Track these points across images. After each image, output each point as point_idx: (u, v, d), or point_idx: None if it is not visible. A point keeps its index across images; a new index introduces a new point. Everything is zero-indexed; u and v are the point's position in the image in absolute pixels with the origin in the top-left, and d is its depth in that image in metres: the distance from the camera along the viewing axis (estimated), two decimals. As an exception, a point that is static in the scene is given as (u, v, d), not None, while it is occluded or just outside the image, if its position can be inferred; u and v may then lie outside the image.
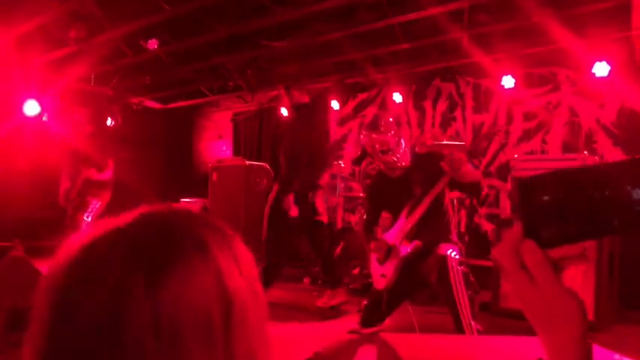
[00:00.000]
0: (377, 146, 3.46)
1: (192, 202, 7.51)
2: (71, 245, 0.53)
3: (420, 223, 3.37)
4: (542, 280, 0.57)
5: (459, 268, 3.16)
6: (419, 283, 3.52)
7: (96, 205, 5.17)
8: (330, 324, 4.08)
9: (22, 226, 6.22)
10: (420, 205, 3.36)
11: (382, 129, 3.45)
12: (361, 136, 3.57)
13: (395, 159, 3.48)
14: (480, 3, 4.65)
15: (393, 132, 3.46)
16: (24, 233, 5.57)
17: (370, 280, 5.12)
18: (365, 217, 3.94)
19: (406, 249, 3.38)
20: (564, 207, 0.56)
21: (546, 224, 0.56)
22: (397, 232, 3.44)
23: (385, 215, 3.68)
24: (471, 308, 3.09)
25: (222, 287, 0.51)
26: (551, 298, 0.57)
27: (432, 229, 3.38)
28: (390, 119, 3.57)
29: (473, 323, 3.06)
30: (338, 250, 5.54)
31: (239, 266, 0.54)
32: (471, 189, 3.48)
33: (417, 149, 3.86)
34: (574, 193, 0.55)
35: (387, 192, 3.62)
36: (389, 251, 3.45)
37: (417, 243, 3.37)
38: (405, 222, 3.42)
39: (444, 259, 3.17)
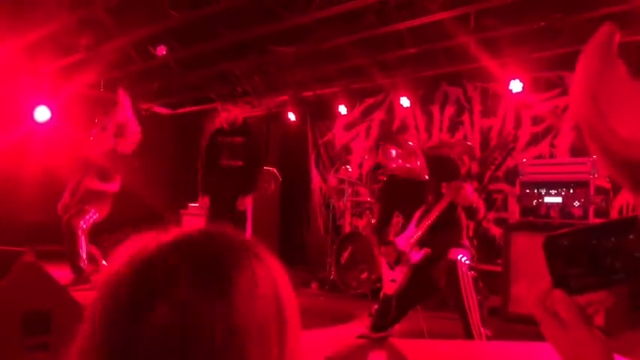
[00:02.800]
0: (392, 165, 3.51)
1: (200, 207, 7.53)
2: (130, 258, 0.53)
3: (430, 230, 3.37)
4: (572, 325, 0.64)
5: (468, 273, 3.16)
6: (429, 289, 3.51)
7: (94, 215, 5.20)
8: (338, 329, 4.08)
9: (33, 231, 6.27)
10: (432, 213, 3.36)
11: (401, 150, 3.50)
12: (379, 147, 3.61)
13: (408, 170, 3.52)
14: (486, 7, 4.64)
15: (411, 152, 3.52)
16: (34, 238, 5.63)
17: (379, 284, 5.13)
18: (376, 219, 3.95)
19: (416, 256, 3.38)
20: (587, 260, 0.63)
21: (572, 274, 0.64)
22: (408, 238, 3.45)
23: (396, 220, 3.69)
24: (480, 314, 3.08)
25: (277, 295, 0.54)
26: (581, 343, 0.63)
27: (443, 236, 3.38)
28: (410, 143, 3.60)
29: (482, 329, 3.05)
30: (346, 254, 5.54)
31: (284, 277, 0.57)
32: (467, 211, 3.47)
33: (427, 152, 3.89)
34: (596, 246, 0.63)
35: (399, 195, 3.62)
36: (399, 256, 3.45)
37: (426, 251, 3.36)
38: (416, 228, 3.42)
39: (454, 263, 3.17)
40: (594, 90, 0.58)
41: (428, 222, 3.37)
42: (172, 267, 0.50)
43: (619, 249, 0.61)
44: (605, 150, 0.57)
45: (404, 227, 3.55)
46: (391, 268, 3.49)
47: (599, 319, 3.63)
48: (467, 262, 3.21)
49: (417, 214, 3.43)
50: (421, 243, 3.39)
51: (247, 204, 4.96)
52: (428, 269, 3.37)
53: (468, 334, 3.06)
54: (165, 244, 0.53)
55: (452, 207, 3.40)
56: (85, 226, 5.11)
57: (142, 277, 0.51)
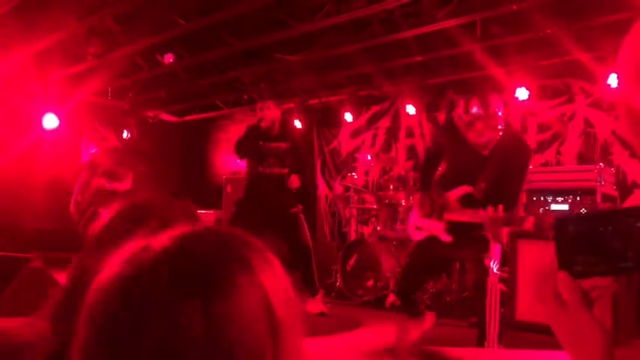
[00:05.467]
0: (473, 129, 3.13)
1: (206, 213, 7.56)
2: (113, 270, 0.53)
3: (466, 199, 3.13)
4: (573, 307, 0.64)
5: (497, 285, 3.12)
6: (448, 260, 3.45)
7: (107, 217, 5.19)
8: (345, 336, 4.06)
9: (40, 238, 6.30)
10: (466, 210, 3.10)
11: (490, 111, 3.09)
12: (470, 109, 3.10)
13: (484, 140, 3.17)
14: (492, 16, 4.66)
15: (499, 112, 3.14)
16: (41, 244, 5.65)
17: (385, 292, 5.12)
18: (423, 163, 3.80)
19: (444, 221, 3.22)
20: (593, 246, 0.64)
21: (578, 259, 0.65)
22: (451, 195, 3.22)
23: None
24: (500, 328, 3.04)
25: (269, 307, 0.53)
26: (580, 325, 0.64)
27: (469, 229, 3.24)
28: (499, 113, 3.16)
29: (497, 344, 3.02)
30: (351, 262, 5.53)
31: (279, 283, 0.56)
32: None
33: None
34: (602, 234, 0.64)
35: (458, 152, 3.30)
36: (433, 209, 3.32)
37: (448, 238, 3.19)
38: (457, 190, 3.17)
39: (486, 271, 3.10)
40: None
41: (458, 217, 3.13)
42: (159, 285, 0.50)
43: (628, 236, 0.62)
44: None
45: (450, 183, 3.26)
46: (423, 217, 3.32)
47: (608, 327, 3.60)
48: (497, 271, 3.12)
49: (460, 192, 3.17)
50: (449, 227, 3.21)
51: (296, 181, 4.65)
52: (454, 240, 3.20)
53: (480, 344, 3.03)
54: (154, 258, 0.52)
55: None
56: None
57: (130, 293, 0.50)
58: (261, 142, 4.70)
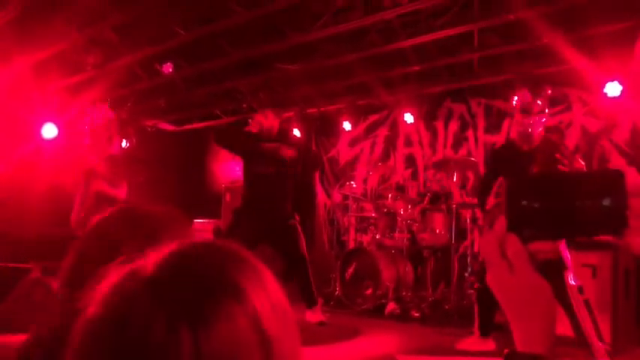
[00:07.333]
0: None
1: (205, 222, 7.55)
2: (101, 297, 0.52)
3: None
4: (519, 270, 0.64)
5: (579, 296, 3.12)
6: None
7: None
8: (344, 345, 4.05)
9: (39, 247, 6.29)
10: None
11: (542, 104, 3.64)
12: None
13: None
14: (490, 25, 4.69)
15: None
16: (40, 253, 5.64)
17: (383, 300, 5.12)
18: (482, 180, 4.12)
19: None
20: (543, 210, 0.65)
21: (527, 222, 0.65)
22: None
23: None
24: (595, 331, 3.05)
25: (260, 329, 0.52)
26: (526, 288, 0.64)
27: None
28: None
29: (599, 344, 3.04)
30: (350, 270, 5.53)
31: (271, 301, 0.55)
32: None
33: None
34: (552, 198, 0.64)
35: (511, 161, 3.73)
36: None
37: None
38: None
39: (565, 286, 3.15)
40: None
41: None
42: (148, 315, 0.49)
43: (578, 201, 0.63)
44: None
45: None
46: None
47: (606, 336, 3.61)
48: (573, 283, 3.16)
49: None
50: None
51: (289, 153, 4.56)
52: None
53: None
54: (141, 288, 0.52)
55: None
56: None
57: (118, 326, 0.50)
58: (259, 143, 4.61)
